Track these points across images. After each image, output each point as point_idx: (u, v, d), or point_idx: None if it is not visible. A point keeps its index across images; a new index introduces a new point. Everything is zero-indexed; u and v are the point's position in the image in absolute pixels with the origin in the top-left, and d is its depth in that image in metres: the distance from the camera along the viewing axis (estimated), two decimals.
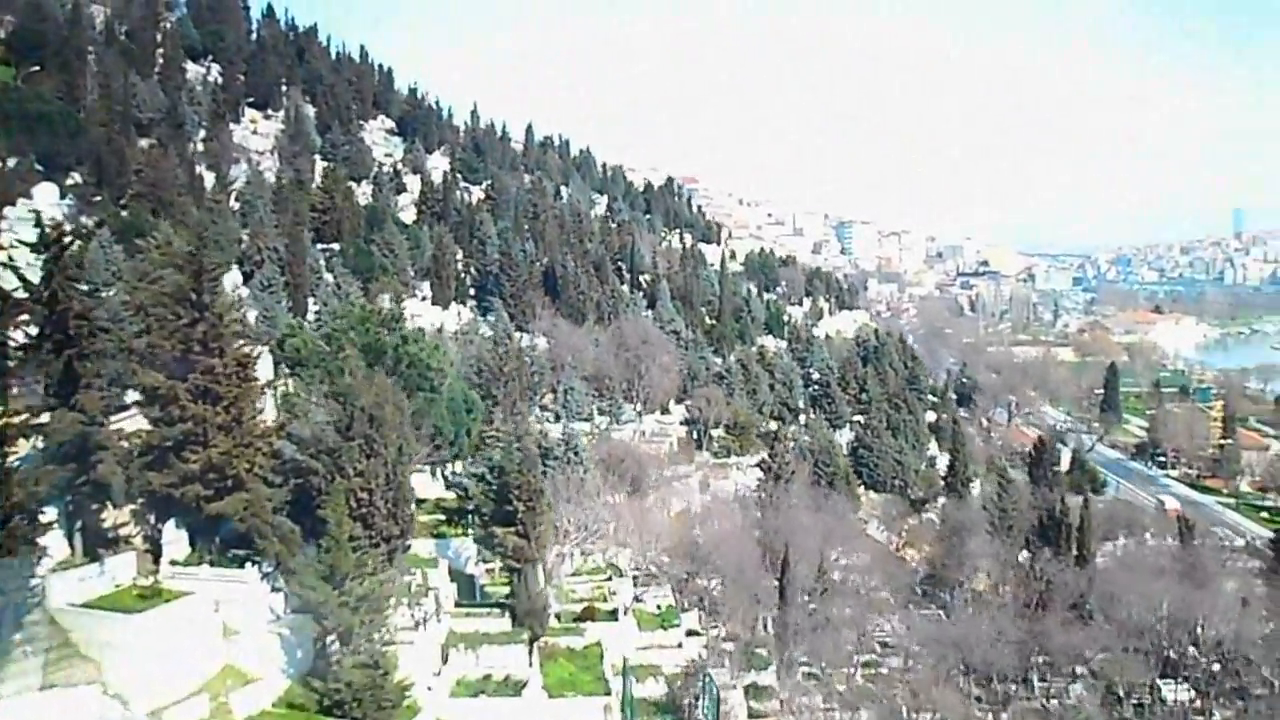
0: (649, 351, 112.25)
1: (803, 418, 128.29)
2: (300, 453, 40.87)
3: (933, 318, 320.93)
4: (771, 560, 69.72)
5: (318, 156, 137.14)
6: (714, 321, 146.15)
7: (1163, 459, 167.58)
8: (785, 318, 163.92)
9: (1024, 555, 77.01)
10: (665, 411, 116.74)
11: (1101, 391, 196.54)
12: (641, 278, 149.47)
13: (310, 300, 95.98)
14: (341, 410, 40.49)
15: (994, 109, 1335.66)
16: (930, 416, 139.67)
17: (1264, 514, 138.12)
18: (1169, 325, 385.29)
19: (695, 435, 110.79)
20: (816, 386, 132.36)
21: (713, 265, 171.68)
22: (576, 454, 66.52)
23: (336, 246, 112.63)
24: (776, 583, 67.51)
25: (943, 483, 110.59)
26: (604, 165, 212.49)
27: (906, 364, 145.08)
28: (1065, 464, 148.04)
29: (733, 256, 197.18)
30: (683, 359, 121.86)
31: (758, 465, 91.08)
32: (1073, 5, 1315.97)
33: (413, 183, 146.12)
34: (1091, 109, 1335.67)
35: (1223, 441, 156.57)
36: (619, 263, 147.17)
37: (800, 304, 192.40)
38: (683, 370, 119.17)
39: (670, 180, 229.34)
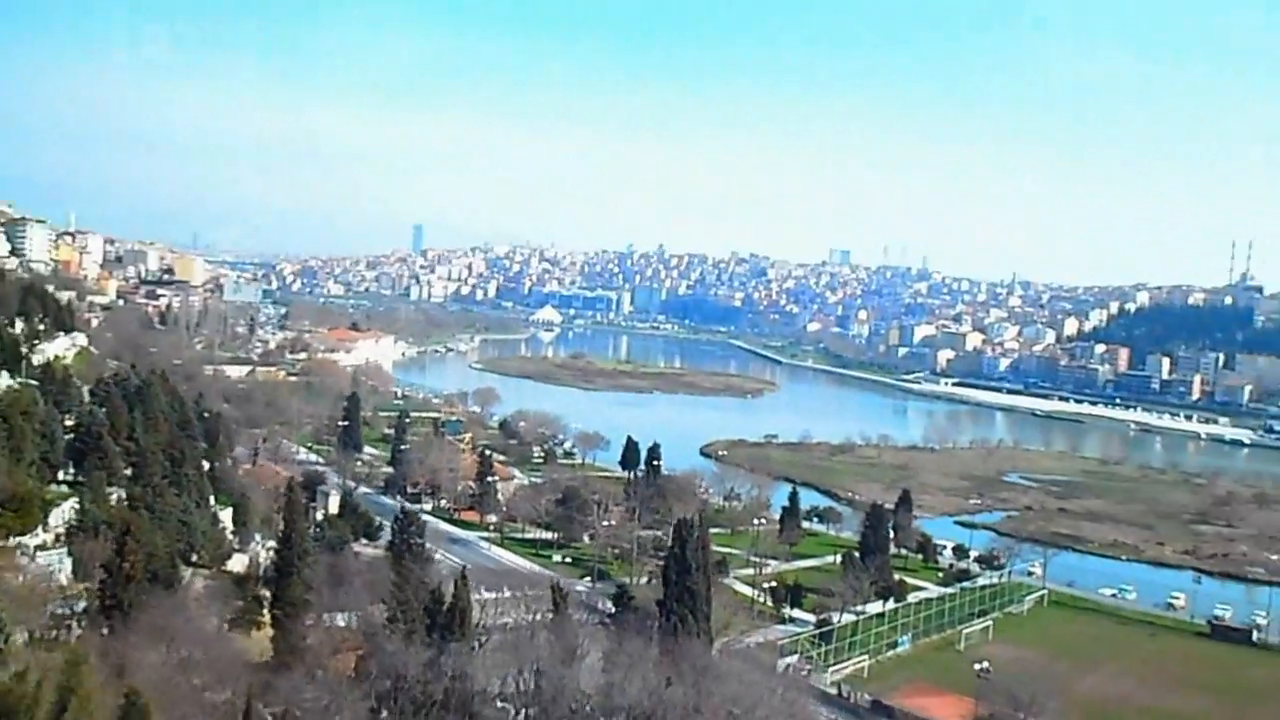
0: None
1: (61, 474, 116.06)
2: None
3: (125, 332, 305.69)
4: None
5: None
6: None
7: (414, 493, 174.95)
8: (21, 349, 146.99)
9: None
10: None
11: (344, 422, 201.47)
12: None
13: None
14: None
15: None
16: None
17: (529, 549, 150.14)
18: (370, 343, 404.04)
19: None
20: (81, 437, 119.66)
21: None
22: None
23: None
24: None
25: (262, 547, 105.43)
26: None
27: (175, 404, 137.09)
28: (334, 507, 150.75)
29: None
30: None
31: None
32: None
33: None
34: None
35: (483, 475, 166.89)
36: None
37: (13, 325, 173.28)
38: None
39: None
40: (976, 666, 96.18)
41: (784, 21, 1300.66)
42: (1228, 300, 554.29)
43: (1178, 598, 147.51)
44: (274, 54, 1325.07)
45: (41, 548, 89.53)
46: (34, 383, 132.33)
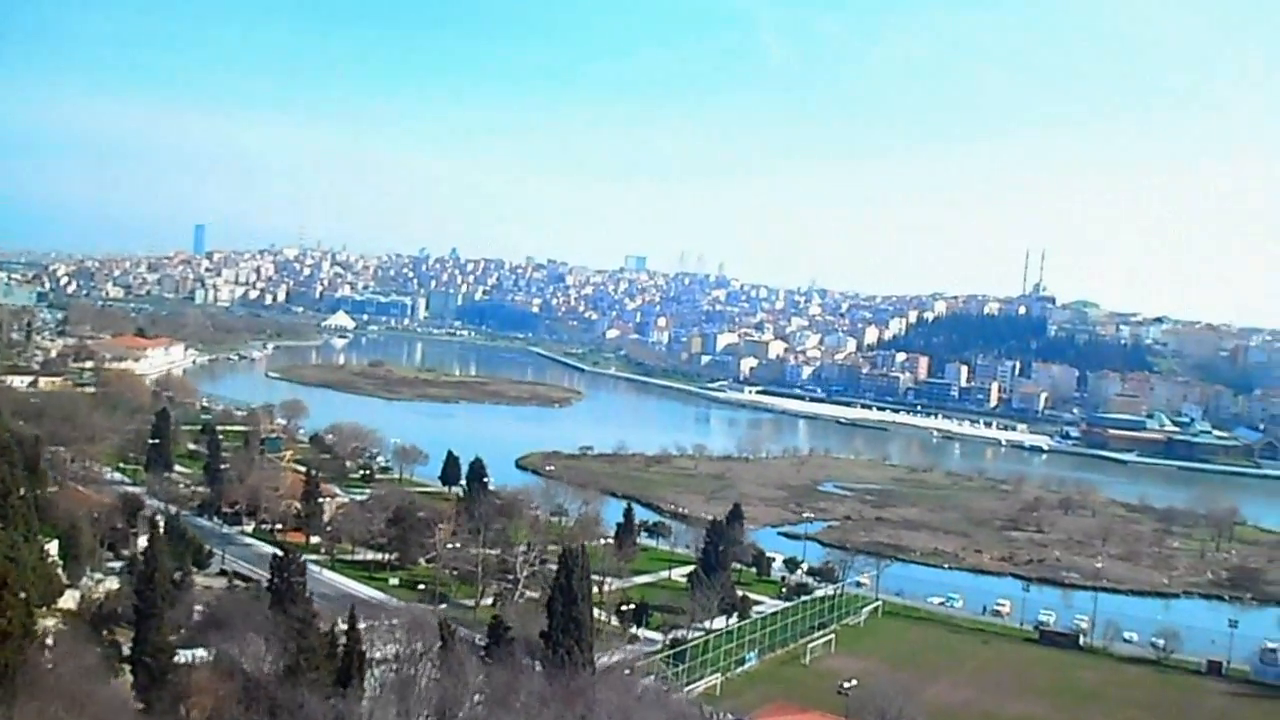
0: None
1: None
2: None
3: None
4: None
5: None
6: None
7: (232, 514, 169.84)
8: None
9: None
10: None
11: (154, 439, 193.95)
12: None
13: None
14: None
15: None
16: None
17: (363, 572, 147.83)
18: (161, 351, 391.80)
19: None
20: None
21: None
22: None
23: None
24: None
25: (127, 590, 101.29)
26: None
27: None
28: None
29: None
30: None
31: None
32: None
33: None
34: None
35: (311, 494, 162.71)
36: None
37: None
38: None
39: None
40: (844, 684, 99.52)
41: (570, 26, 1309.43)
42: (1022, 310, 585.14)
43: (1003, 604, 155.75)
44: (27, 35, 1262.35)
45: None
46: None
